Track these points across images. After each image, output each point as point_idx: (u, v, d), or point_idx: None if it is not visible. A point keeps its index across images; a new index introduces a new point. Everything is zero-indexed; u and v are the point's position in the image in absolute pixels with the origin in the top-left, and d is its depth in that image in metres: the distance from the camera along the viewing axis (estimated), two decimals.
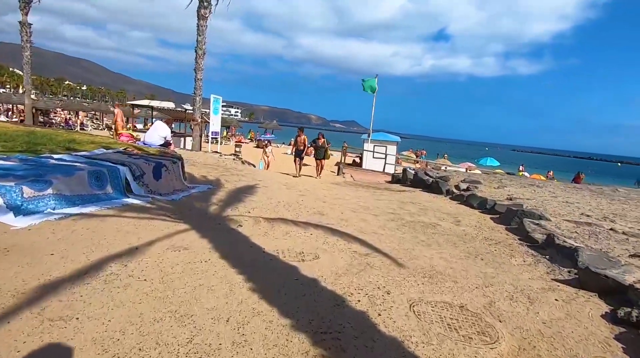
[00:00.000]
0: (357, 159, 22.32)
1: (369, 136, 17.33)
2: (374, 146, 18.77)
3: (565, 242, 4.08)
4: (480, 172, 18.92)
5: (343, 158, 16.75)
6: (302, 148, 11.93)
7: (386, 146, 19.34)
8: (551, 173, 24.99)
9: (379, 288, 2.76)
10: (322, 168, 12.51)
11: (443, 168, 17.43)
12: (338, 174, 14.48)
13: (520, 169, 24.22)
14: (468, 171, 17.07)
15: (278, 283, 2.65)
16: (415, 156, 30.99)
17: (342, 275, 2.94)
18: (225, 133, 30.69)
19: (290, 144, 35.71)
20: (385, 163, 16.77)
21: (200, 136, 18.60)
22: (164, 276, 2.57)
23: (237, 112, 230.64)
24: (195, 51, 14.72)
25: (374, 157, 18.83)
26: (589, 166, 60.46)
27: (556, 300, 2.92)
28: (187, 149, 14.89)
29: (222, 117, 35.31)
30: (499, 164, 26.66)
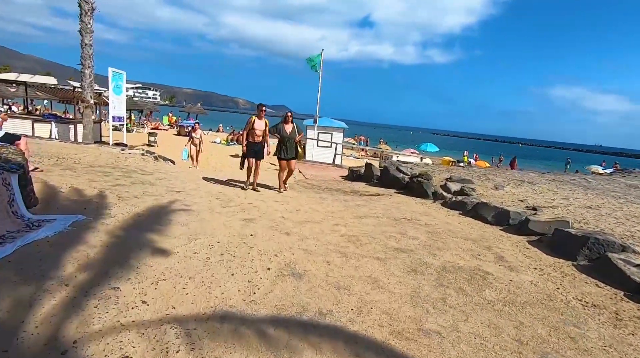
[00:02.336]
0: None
1: (315, 122, 14.90)
2: (319, 133, 16.49)
3: None
4: (430, 161, 17.92)
5: None
6: (260, 139, 6.47)
7: (332, 133, 17.22)
8: (476, 157, 25.41)
9: None
10: (289, 174, 7.08)
11: (395, 157, 15.89)
12: None
13: (465, 154, 24.20)
14: (423, 160, 15.80)
15: None
16: (354, 142, 29.59)
17: None
18: (132, 118, 25.66)
19: (219, 131, 31.53)
20: (335, 154, 14.61)
21: (99, 123, 14.46)
22: None
23: (156, 94, 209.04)
24: (79, 5, 10.67)
25: (318, 146, 16.59)
26: (500, 149, 66.26)
27: None
28: (76, 142, 10.98)
29: (134, 101, 29.64)
30: (438, 149, 26.47)
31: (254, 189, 6.55)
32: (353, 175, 9.96)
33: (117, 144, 12.07)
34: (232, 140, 21.93)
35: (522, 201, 5.81)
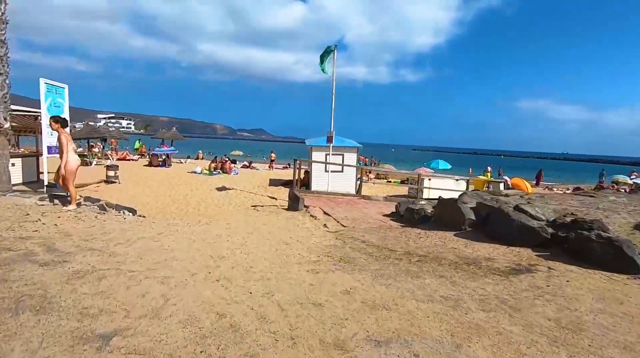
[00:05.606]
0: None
1: (330, 141, 11.38)
2: (326, 154, 13.05)
3: None
4: (465, 184, 14.73)
5: (297, 173, 10.71)
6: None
7: (343, 155, 13.92)
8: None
9: None
10: None
11: (427, 181, 12.58)
12: (296, 209, 8.36)
13: (489, 171, 21.39)
14: (458, 182, 12.58)
15: None
16: (365, 164, 26.32)
17: None
18: (88, 149, 21.53)
19: (199, 158, 27.46)
20: (357, 181, 11.17)
21: (37, 158, 10.60)
22: None
23: (130, 124, 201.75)
24: None
25: (326, 171, 13.16)
26: (483, 161, 64.43)
27: None
28: None
29: (93, 127, 25.42)
30: (450, 166, 23.58)
31: None
32: (414, 216, 6.49)
33: (49, 187, 8.24)
34: (215, 169, 18.24)
35: None
